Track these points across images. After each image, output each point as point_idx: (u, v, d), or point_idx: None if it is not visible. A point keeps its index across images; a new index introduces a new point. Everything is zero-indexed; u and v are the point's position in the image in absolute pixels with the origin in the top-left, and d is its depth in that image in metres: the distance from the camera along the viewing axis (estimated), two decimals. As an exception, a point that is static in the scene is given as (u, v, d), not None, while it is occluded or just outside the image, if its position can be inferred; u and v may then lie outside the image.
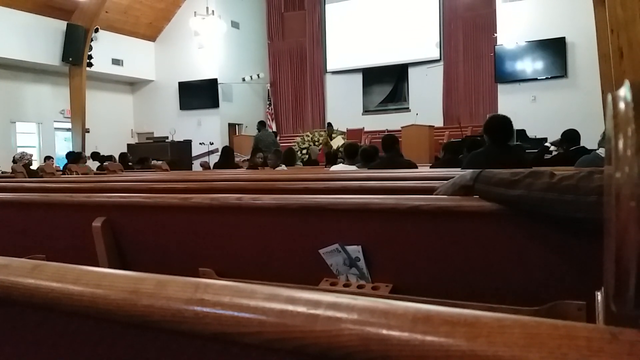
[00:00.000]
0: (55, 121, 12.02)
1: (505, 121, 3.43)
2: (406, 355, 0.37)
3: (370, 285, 1.45)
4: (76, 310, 0.54)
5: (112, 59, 12.60)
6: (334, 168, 4.77)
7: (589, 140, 5.18)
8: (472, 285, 1.30)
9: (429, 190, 1.52)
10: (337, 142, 9.43)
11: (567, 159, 4.32)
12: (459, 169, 3.30)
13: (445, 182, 1.41)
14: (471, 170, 1.31)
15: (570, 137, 4.95)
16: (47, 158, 9.50)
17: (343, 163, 5.22)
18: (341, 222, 1.49)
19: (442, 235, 1.34)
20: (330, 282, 1.51)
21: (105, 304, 0.51)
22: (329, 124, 10.61)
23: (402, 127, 9.92)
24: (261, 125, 10.01)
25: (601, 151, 3.50)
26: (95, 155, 8.26)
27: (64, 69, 11.30)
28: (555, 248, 1.20)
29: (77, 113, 11.07)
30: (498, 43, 11.11)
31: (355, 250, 1.47)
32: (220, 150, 8.16)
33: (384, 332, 0.38)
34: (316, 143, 9.77)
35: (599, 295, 0.63)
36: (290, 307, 0.43)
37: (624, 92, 0.26)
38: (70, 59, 11.00)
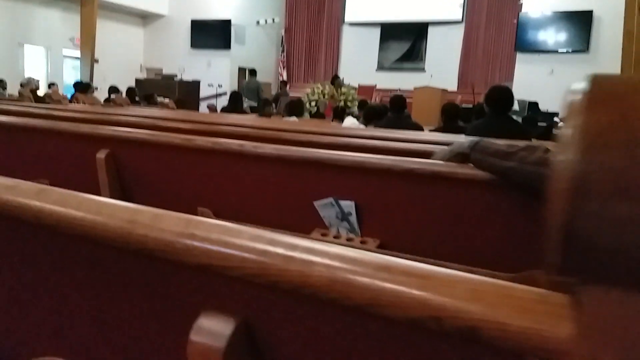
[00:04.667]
0: (64, 48, 11.88)
1: (506, 92, 3.43)
2: (366, 298, 0.42)
3: (359, 239, 1.51)
4: (77, 234, 0.58)
5: (125, -10, 12.32)
6: (346, 123, 4.75)
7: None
8: (456, 248, 1.35)
9: (428, 154, 1.56)
10: (346, 95, 9.32)
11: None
12: (461, 136, 3.32)
13: (443, 148, 1.44)
14: (470, 138, 1.34)
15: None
16: (51, 85, 9.46)
17: (353, 118, 5.21)
18: (338, 177, 1.53)
19: (434, 199, 1.38)
20: (322, 232, 1.57)
21: (104, 230, 0.56)
22: (335, 76, 10.41)
23: (414, 88, 9.79)
24: (250, 73, 10.09)
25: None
26: (112, 89, 8.20)
27: (75, -5, 11.07)
28: (540, 221, 1.25)
29: (87, 42, 10.91)
30: (523, 10, 10.77)
31: (348, 205, 1.52)
32: (228, 94, 8.12)
33: (349, 276, 0.43)
34: (326, 96, 9.66)
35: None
36: (270, 248, 0.47)
37: (583, 84, 0.29)
38: (83, -15, 10.75)
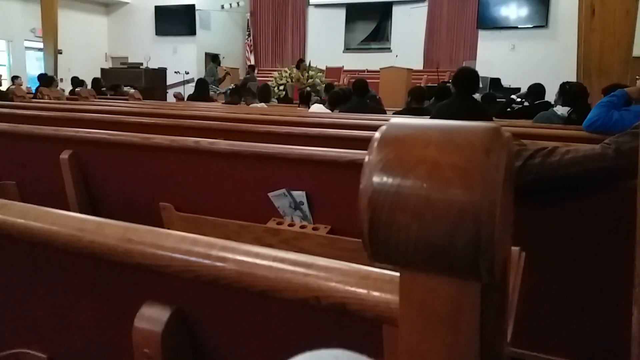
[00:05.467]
0: (26, 40, 11.57)
1: (473, 74, 3.57)
2: (267, 285, 0.54)
3: (312, 226, 1.64)
4: (36, 242, 0.69)
5: (87, -22, 12.01)
6: (313, 109, 4.82)
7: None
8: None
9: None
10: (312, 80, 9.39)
11: (529, 113, 4.49)
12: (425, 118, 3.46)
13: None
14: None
15: (536, 91, 5.10)
16: (15, 78, 9.24)
17: (319, 104, 5.27)
18: (289, 169, 1.65)
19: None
20: (277, 221, 1.69)
21: (57, 238, 0.66)
22: (301, 60, 10.44)
23: (380, 69, 9.90)
24: (213, 59, 10.37)
25: (558, 108, 3.68)
26: (75, 80, 8.08)
27: (35, -15, 10.74)
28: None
29: (49, 33, 10.59)
30: (484, -12, 10.95)
31: (300, 195, 1.64)
32: (195, 81, 8.11)
33: (253, 269, 0.54)
34: (293, 80, 9.70)
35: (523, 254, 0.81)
36: (192, 248, 0.59)
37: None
38: (42, -25, 10.42)
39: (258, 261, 0.55)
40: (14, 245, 0.74)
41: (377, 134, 0.40)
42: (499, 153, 0.36)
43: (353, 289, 0.50)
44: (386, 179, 0.37)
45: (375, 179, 0.38)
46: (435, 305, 0.41)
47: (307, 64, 9.99)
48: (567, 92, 3.64)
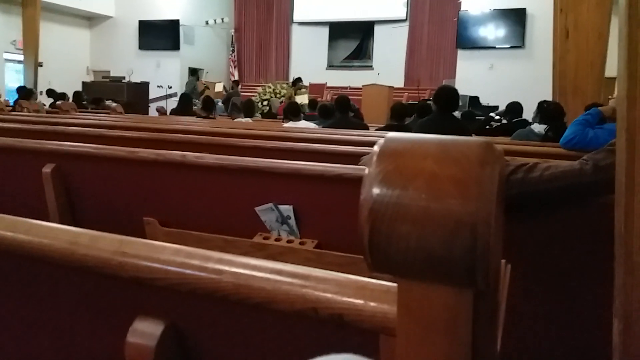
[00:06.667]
0: (5, 52, 11.42)
1: (453, 92, 3.66)
2: (264, 297, 0.54)
3: (299, 241, 1.64)
4: (27, 255, 0.68)
5: (71, -10, 11.97)
6: (300, 125, 4.83)
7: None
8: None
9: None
10: (302, 99, 9.47)
11: (507, 130, 4.59)
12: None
13: (370, 153, 1.58)
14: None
15: (514, 109, 5.23)
16: (-7, 91, 9.11)
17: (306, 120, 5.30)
18: (276, 184, 1.65)
19: (362, 201, 1.52)
20: (264, 236, 1.69)
21: (50, 251, 0.66)
22: (298, 79, 10.53)
23: (363, 86, 10.03)
24: (192, 74, 10.24)
25: (535, 126, 3.78)
26: (50, 93, 8.00)
27: (16, -4, 10.65)
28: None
29: (30, 45, 10.49)
30: (463, 8, 11.22)
31: (287, 209, 1.64)
32: (179, 96, 8.10)
33: (250, 281, 0.55)
34: (277, 95, 9.76)
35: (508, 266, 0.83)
36: (187, 260, 0.59)
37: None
38: (24, -14, 10.35)
39: (255, 273, 0.55)
40: (2, 259, 0.73)
41: (376, 147, 0.41)
42: (493, 165, 0.38)
43: (350, 299, 0.51)
44: (386, 190, 0.39)
45: (376, 190, 0.39)
46: (432, 314, 0.42)
47: (302, 84, 10.12)
48: (545, 110, 3.74)
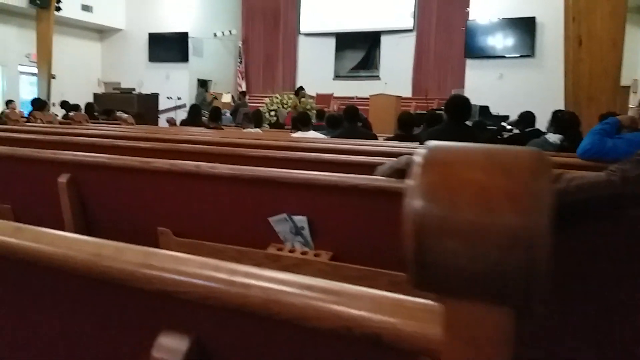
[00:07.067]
0: (20, 65, 11.61)
1: (465, 101, 3.63)
2: (294, 313, 0.52)
3: (313, 252, 1.62)
4: (50, 266, 0.67)
5: (82, 5, 12.14)
6: (309, 135, 4.83)
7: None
8: (401, 258, 1.47)
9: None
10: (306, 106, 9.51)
11: (520, 140, 4.56)
12: (415, 144, 3.49)
13: (384, 164, 1.56)
14: (405, 156, 1.47)
15: (527, 118, 5.20)
16: (9, 102, 9.21)
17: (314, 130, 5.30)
18: (290, 194, 1.64)
19: (378, 212, 1.51)
20: (277, 247, 1.67)
21: (73, 263, 0.64)
22: (300, 88, 10.59)
23: (370, 96, 10.03)
24: (201, 85, 10.36)
25: (549, 136, 3.74)
26: (64, 104, 8.10)
27: (31, 12, 10.82)
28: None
29: (43, 58, 10.68)
30: (471, 18, 11.23)
31: (301, 220, 1.62)
32: (188, 106, 8.15)
33: (280, 296, 0.53)
34: (284, 106, 9.78)
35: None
36: (215, 274, 0.57)
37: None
38: (38, 1, 10.53)
39: (284, 288, 0.54)
40: (26, 270, 0.72)
41: (419, 158, 0.40)
42: (545, 176, 0.36)
43: (387, 318, 0.49)
44: (432, 203, 0.37)
45: (421, 203, 0.37)
46: (482, 335, 0.40)
47: (305, 92, 10.17)
48: (560, 120, 3.71)
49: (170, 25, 13.00)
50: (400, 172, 1.45)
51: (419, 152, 0.41)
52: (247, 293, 0.55)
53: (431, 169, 0.38)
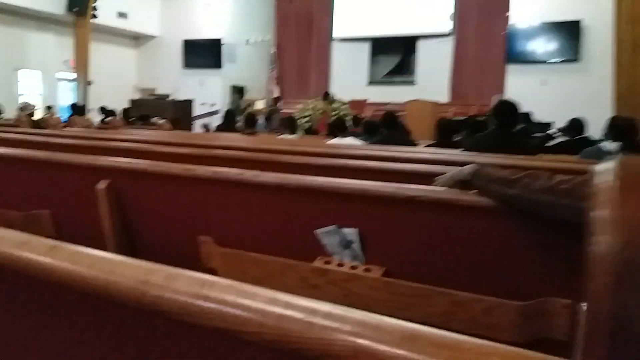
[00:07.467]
0: (58, 71, 11.95)
1: (515, 107, 3.44)
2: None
3: (363, 267, 1.50)
4: (89, 292, 0.57)
5: (118, 12, 12.41)
6: (345, 141, 4.70)
7: (596, 128, 5.10)
8: (463, 275, 1.34)
9: (428, 176, 1.56)
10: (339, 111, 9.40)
11: (571, 149, 4.33)
12: (459, 150, 3.33)
13: (444, 174, 1.44)
14: (470, 165, 1.34)
15: (576, 126, 4.94)
16: (48, 108, 9.46)
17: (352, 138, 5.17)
18: (339, 204, 1.52)
19: (438, 226, 1.38)
20: (325, 260, 1.56)
21: (117, 290, 0.55)
22: (326, 93, 10.48)
23: (406, 102, 9.85)
24: (236, 92, 10.28)
25: (604, 144, 3.51)
26: (103, 110, 8.27)
27: (68, 19, 11.15)
28: (547, 247, 1.24)
29: (81, 64, 10.99)
30: (511, 22, 10.92)
31: (351, 232, 1.51)
32: (221, 112, 8.17)
33: (374, 346, 0.42)
34: (318, 112, 9.71)
35: (583, 308, 0.67)
36: (288, 312, 0.46)
37: (607, 166, 0.29)
38: (76, 9, 10.83)
39: (382, 336, 0.42)
40: (60, 294, 0.63)
41: (606, 177, 0.28)
42: None
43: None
44: (643, 244, 0.25)
45: (624, 244, 0.25)
46: None
47: (332, 96, 10.05)
48: (616, 126, 3.47)
49: (203, 31, 13.15)
50: (464, 184, 1.32)
51: (601, 169, 0.28)
52: (330, 340, 0.44)
53: (636, 192, 0.26)
